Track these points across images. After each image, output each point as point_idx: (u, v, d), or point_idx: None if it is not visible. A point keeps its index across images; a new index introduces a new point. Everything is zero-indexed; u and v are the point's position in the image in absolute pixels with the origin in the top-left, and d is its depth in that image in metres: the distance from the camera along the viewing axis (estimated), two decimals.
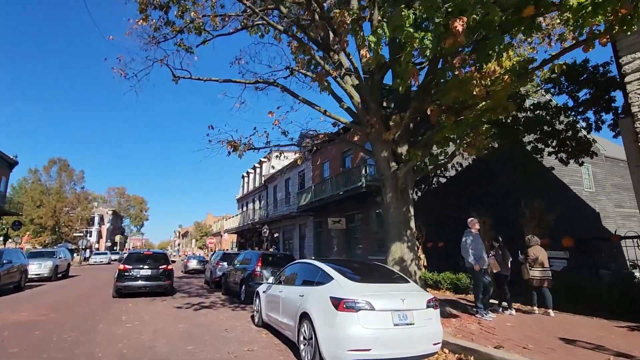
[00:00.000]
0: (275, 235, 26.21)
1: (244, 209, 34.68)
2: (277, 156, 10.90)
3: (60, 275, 21.52)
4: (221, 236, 48.49)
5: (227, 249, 34.47)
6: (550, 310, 7.56)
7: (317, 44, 8.86)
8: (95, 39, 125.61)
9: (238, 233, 34.96)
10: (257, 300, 7.71)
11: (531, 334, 5.97)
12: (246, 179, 35.66)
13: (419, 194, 13.82)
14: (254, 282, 10.56)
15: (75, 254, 48.44)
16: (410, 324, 4.45)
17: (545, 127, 11.58)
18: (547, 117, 11.15)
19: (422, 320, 4.54)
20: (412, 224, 8.25)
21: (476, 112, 6.82)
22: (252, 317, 8.52)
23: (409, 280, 5.35)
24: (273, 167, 20.67)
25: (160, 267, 12.31)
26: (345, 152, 17.52)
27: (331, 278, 5.02)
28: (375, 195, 13.91)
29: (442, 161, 8.75)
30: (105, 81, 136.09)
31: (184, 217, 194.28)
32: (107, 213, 78.80)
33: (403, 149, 8.49)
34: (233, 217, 36.21)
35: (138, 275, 11.90)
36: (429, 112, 6.78)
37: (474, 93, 6.20)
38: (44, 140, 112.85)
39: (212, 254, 32.65)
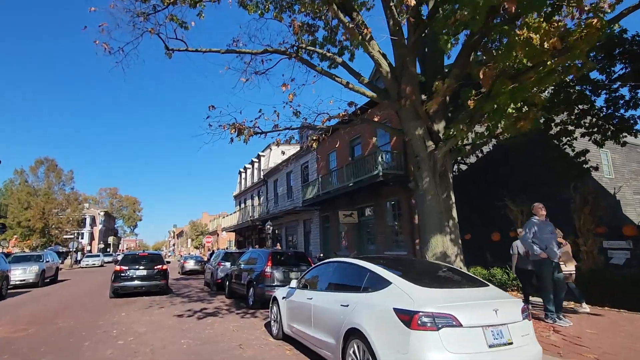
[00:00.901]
0: (276, 232, 24.93)
1: (242, 205, 33.31)
2: (285, 140, 9.56)
3: (48, 280, 20.14)
4: (218, 235, 47.07)
5: (227, 248, 33.11)
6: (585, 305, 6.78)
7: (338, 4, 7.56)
8: (81, 30, 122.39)
9: (236, 231, 33.62)
10: (275, 307, 6.46)
11: (626, 343, 4.81)
12: (243, 174, 34.26)
13: None
14: (264, 284, 9.32)
15: (67, 257, 46.83)
16: (508, 344, 3.24)
17: (582, 105, 10.45)
18: (587, 93, 10.01)
19: (520, 337, 3.34)
20: (454, 212, 7.04)
21: (538, 74, 5.60)
22: (267, 325, 7.30)
23: (487, 282, 4.12)
24: (284, 153, 19.30)
25: (155, 267, 12.52)
26: (353, 141, 16.27)
27: (387, 282, 3.78)
28: (391, 185, 12.71)
29: (485, 140, 7.51)
30: (90, 76, 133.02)
31: (179, 217, 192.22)
32: (98, 214, 76.76)
33: (439, 126, 7.26)
34: (230, 215, 34.84)
35: (134, 276, 12.11)
36: (481, 76, 5.55)
37: (545, 48, 4.98)
38: (28, 139, 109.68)
39: (210, 254, 31.31)
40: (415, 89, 6.68)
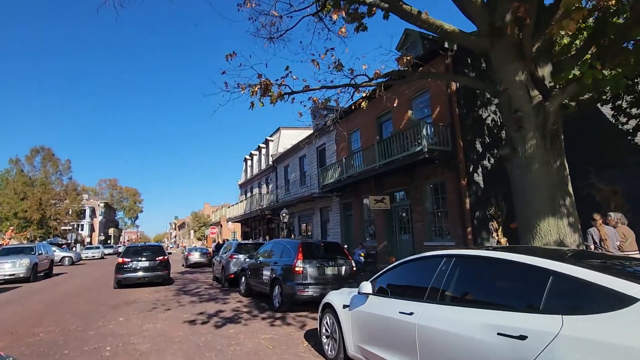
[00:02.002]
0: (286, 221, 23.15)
1: (248, 195, 31.49)
2: (321, 102, 7.67)
3: (42, 275, 18.47)
4: (221, 226, 45.40)
5: (234, 239, 31.37)
6: None
7: None
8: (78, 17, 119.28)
9: (242, 222, 31.85)
10: (329, 318, 4.65)
11: None
12: (249, 161, 32.35)
13: (491, 160, 10.76)
14: (294, 282, 7.53)
15: (66, 249, 45.20)
16: None
17: None
18: None
19: None
20: (570, 187, 5.16)
21: None
22: (309, 336, 5.54)
23: None
24: (308, 135, 17.38)
25: (157, 258, 12.79)
26: (381, 117, 14.34)
27: (625, 298, 1.93)
28: (435, 164, 10.83)
29: (617, 85, 5.56)
30: (87, 62, 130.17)
31: (180, 208, 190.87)
32: (98, 205, 75.20)
33: (545, 71, 5.35)
34: (235, 204, 33.04)
35: (137, 267, 12.37)
36: None
37: None
38: (23, 127, 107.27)
39: (216, 245, 29.59)
40: (532, 9, 4.71)
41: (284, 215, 15.79)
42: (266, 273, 8.79)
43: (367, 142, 14.75)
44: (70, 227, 46.39)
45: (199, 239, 62.88)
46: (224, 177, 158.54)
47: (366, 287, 3.89)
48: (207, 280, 15.76)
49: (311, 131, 22.57)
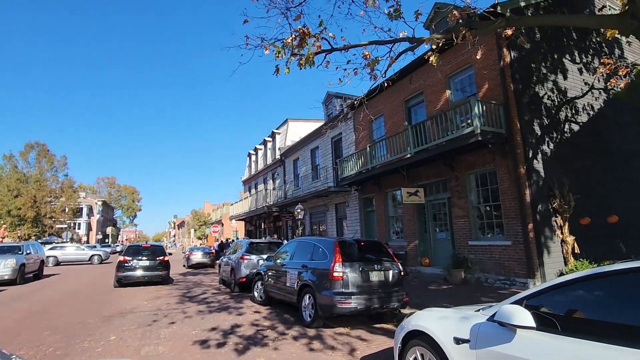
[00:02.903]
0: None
1: (253, 191, 29.88)
2: (367, 63, 6.07)
3: (31, 276, 16.91)
4: (222, 225, 43.79)
5: (237, 238, 29.76)
6: None
7: None
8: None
9: (246, 219, 30.24)
10: (432, 355, 3.03)
11: None
12: (253, 156, 30.73)
13: (551, 145, 9.18)
14: (332, 290, 5.96)
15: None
16: None
17: None
18: None
19: None
20: None
21: None
22: None
23: None
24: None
25: (157, 258, 12.89)
26: (410, 100, 12.74)
27: None
28: (486, 150, 9.25)
29: None
30: (84, 56, 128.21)
31: (179, 207, 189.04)
32: (96, 204, 73.41)
33: None
34: (238, 202, 31.42)
35: (137, 266, 12.47)
36: None
37: None
38: (17, 123, 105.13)
39: (219, 244, 27.98)
40: None
41: (299, 210, 14.21)
42: (291, 278, 7.19)
43: (393, 129, 13.16)
44: (65, 225, 44.62)
45: (199, 238, 61.22)
46: (224, 176, 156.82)
47: (518, 314, 2.28)
48: (213, 283, 14.16)
49: (321, 123, 21.05)
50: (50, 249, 26.50)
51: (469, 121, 8.79)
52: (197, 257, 22.81)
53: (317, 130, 19.06)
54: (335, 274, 5.96)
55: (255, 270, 10.72)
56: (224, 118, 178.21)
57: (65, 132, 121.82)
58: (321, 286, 6.13)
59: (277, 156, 24.33)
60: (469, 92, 10.34)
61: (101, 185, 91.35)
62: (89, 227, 68.97)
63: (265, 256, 11.18)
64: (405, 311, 6.53)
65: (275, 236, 22.58)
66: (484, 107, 8.78)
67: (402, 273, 6.67)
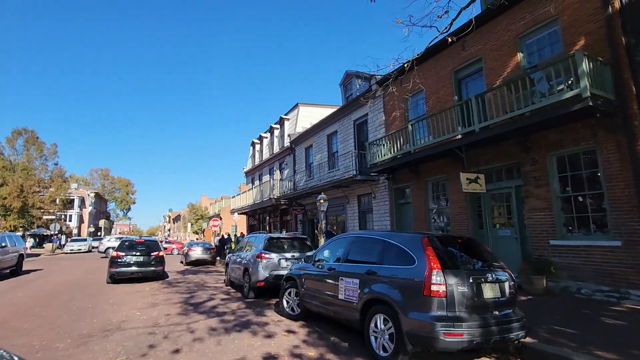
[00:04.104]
0: (308, 213, 19.42)
1: (256, 183, 27.68)
2: None
3: (8, 272, 14.82)
4: (221, 219, 41.55)
5: (239, 233, 27.56)
6: None
7: None
8: None
9: (248, 213, 28.04)
10: None
11: None
12: (258, 145, 28.46)
13: None
14: (428, 313, 3.86)
15: (50, 241, 41.04)
16: None
17: None
18: None
19: None
20: None
21: None
22: None
23: None
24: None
25: (152, 253, 12.49)
26: (461, 71, 10.61)
27: None
28: (577, 124, 7.13)
29: None
30: (71, 38, 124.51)
31: (174, 201, 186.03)
32: (88, 195, 70.70)
33: None
34: (241, 194, 29.20)
35: (131, 262, 12.06)
36: None
37: None
38: (5, 108, 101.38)
39: (220, 240, 25.79)
40: None
41: (321, 201, 12.05)
42: (347, 289, 5.06)
43: (438, 106, 11.06)
44: (54, 217, 42.03)
45: (195, 233, 58.88)
46: (222, 169, 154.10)
47: None
48: (219, 285, 12.03)
49: (334, 109, 18.89)
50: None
51: (569, 83, 6.67)
52: (197, 253, 20.68)
53: (335, 113, 16.90)
54: (433, 288, 3.84)
55: (278, 273, 8.64)
56: (223, 110, 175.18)
57: (57, 121, 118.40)
58: (409, 305, 4.02)
59: (286, 144, 22.14)
60: (550, 53, 8.23)
61: (94, 177, 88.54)
62: (80, 220, 66.35)
63: (288, 255, 9.09)
64: (527, 341, 4.43)
65: (285, 230, 20.42)
66: (591, 64, 6.66)
67: (515, 284, 4.57)
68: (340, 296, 5.16)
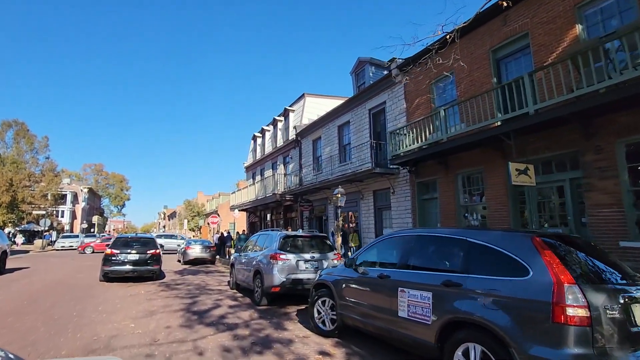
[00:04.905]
0: (313, 211, 18.19)
1: (257, 178, 26.37)
2: None
3: None
4: (218, 216, 40.17)
5: (243, 231, 26.25)
6: None
7: None
8: None
9: (249, 210, 26.72)
10: None
11: None
12: (259, 139, 27.14)
13: None
14: (563, 351, 2.58)
15: (47, 237, 39.45)
16: None
17: None
18: None
19: None
20: None
21: None
22: None
23: None
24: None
25: (148, 251, 11.85)
26: (500, 49, 9.41)
27: None
28: None
29: None
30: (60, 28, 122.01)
31: (169, 198, 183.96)
32: (81, 191, 68.83)
33: None
34: (241, 190, 27.87)
35: (126, 260, 11.45)
36: None
37: None
38: None
39: (219, 237, 24.48)
40: None
41: (338, 195, 10.79)
42: (415, 304, 3.84)
43: (472, 90, 9.87)
44: (44, 212, 40.38)
45: (191, 230, 57.40)
46: (218, 167, 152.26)
47: None
48: (223, 288, 10.79)
49: (342, 101, 17.67)
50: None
51: None
52: (196, 251, 19.40)
53: (347, 102, 15.67)
54: (569, 312, 2.64)
55: (295, 277, 7.45)
56: (220, 105, 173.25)
57: (49, 115, 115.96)
58: (527, 335, 2.81)
59: (291, 137, 20.86)
60: (620, 23, 7.05)
61: (88, 172, 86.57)
62: (73, 216, 64.52)
63: (307, 256, 7.89)
64: None
65: (289, 229, 19.16)
66: None
67: None
68: (402, 313, 3.94)
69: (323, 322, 5.59)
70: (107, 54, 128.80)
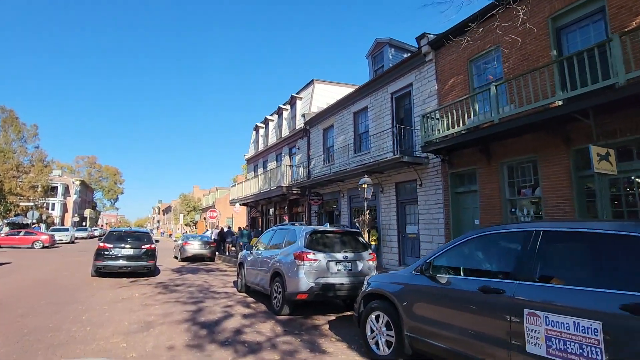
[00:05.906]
0: (322, 206, 16.81)
1: (259, 170, 24.90)
2: None
3: None
4: (216, 211, 38.71)
5: (244, 227, 24.77)
6: None
7: None
8: None
9: (250, 204, 25.26)
10: None
11: None
12: (262, 130, 25.63)
13: None
14: None
15: (37, 229, 37.61)
16: None
17: None
18: None
19: None
20: None
21: None
22: None
23: None
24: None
25: (142, 246, 11.40)
26: (561, 17, 8.06)
27: None
28: None
29: None
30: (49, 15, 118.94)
31: (164, 192, 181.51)
32: (73, 183, 66.77)
33: None
34: (242, 182, 26.38)
35: (119, 255, 10.97)
36: None
37: None
38: None
39: (219, 233, 23.05)
40: None
41: (364, 185, 9.42)
42: (566, 337, 2.48)
43: (522, 66, 8.52)
44: (31, 203, 38.59)
45: (187, 225, 55.79)
46: (214, 161, 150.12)
47: None
48: (229, 289, 9.38)
49: (352, 89, 16.28)
50: None
51: None
52: (194, 247, 17.96)
53: (365, 87, 14.24)
54: None
55: (326, 282, 6.11)
56: (217, 98, 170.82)
57: (43, 107, 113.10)
58: None
59: (299, 126, 19.40)
60: None
61: (80, 165, 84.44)
62: (64, 208, 62.52)
63: (339, 256, 6.52)
64: None
65: (297, 223, 17.77)
66: None
67: None
68: (534, 348, 2.56)
69: (377, 344, 4.22)
70: (102, 46, 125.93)
